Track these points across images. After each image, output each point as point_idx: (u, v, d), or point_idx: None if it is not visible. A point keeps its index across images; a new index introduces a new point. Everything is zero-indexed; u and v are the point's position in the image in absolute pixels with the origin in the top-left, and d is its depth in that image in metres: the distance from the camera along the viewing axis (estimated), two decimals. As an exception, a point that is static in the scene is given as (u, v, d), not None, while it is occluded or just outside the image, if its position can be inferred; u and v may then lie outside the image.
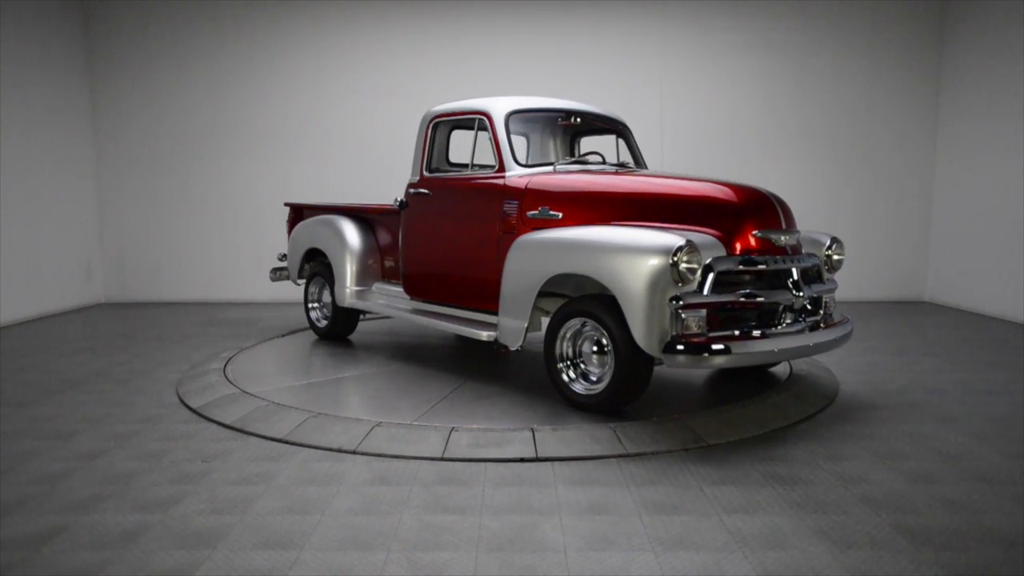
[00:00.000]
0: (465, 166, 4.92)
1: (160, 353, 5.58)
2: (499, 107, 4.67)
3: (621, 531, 2.59)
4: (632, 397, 3.82)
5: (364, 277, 5.63)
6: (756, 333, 3.57)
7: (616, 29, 8.20)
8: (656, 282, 3.43)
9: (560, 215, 4.17)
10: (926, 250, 8.56)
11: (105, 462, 3.28)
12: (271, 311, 7.68)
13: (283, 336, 6.16)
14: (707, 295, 3.47)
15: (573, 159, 5.10)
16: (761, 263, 3.63)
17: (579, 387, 3.92)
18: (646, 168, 5.26)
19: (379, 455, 3.34)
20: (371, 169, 8.22)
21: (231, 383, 4.46)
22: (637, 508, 2.78)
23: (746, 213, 3.74)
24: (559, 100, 5.10)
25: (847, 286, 8.51)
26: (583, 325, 3.88)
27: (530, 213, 4.29)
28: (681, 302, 3.41)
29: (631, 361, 3.62)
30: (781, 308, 3.72)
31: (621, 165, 5.01)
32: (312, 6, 8.16)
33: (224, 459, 3.31)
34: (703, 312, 3.47)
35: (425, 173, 5.11)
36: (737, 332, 3.56)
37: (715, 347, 3.36)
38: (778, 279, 3.75)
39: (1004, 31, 7.29)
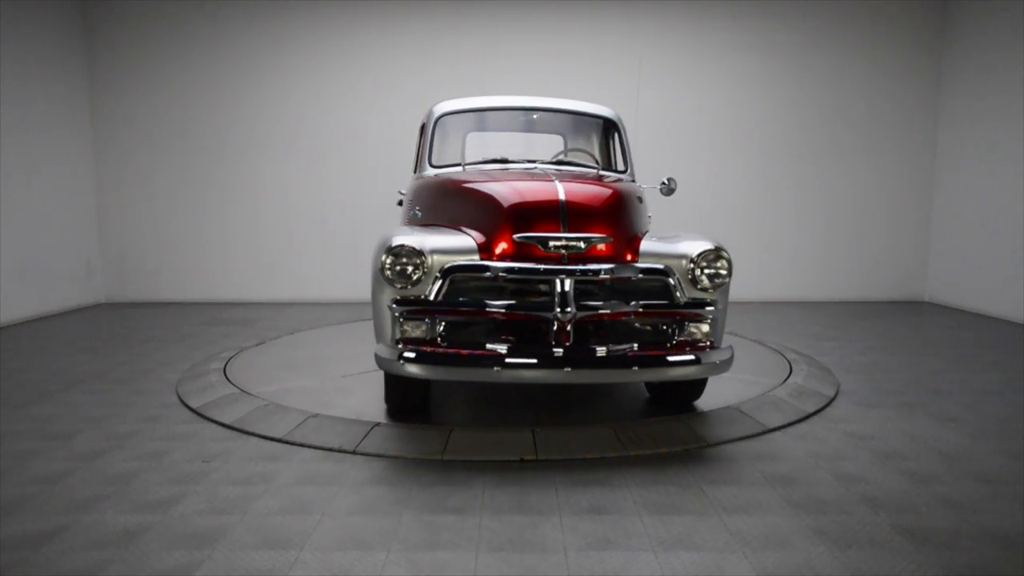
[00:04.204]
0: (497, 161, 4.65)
1: (160, 353, 5.58)
2: (437, 109, 4.73)
3: (621, 531, 2.59)
4: (403, 402, 3.70)
5: None
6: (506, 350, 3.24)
7: (616, 29, 8.21)
8: (377, 284, 3.39)
9: (420, 215, 4.23)
10: (926, 250, 8.56)
11: (105, 462, 3.27)
12: (271, 311, 7.68)
13: (283, 336, 6.17)
14: (434, 301, 3.31)
15: (490, 159, 4.57)
16: (496, 270, 3.28)
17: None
18: (614, 169, 4.75)
19: (379, 455, 3.34)
20: (371, 168, 8.23)
21: (231, 383, 4.46)
22: (637, 508, 2.78)
23: (508, 216, 3.43)
24: (513, 98, 4.89)
25: (848, 286, 8.55)
26: None
27: (410, 214, 4.40)
28: (400, 307, 3.32)
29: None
30: (555, 325, 3.27)
31: (562, 163, 4.55)
32: (312, 6, 8.16)
33: (224, 459, 3.30)
34: (420, 319, 3.33)
35: (411, 174, 5.24)
36: (459, 346, 3.32)
37: (397, 355, 3.24)
38: (539, 290, 3.34)
39: (1004, 32, 7.29)
